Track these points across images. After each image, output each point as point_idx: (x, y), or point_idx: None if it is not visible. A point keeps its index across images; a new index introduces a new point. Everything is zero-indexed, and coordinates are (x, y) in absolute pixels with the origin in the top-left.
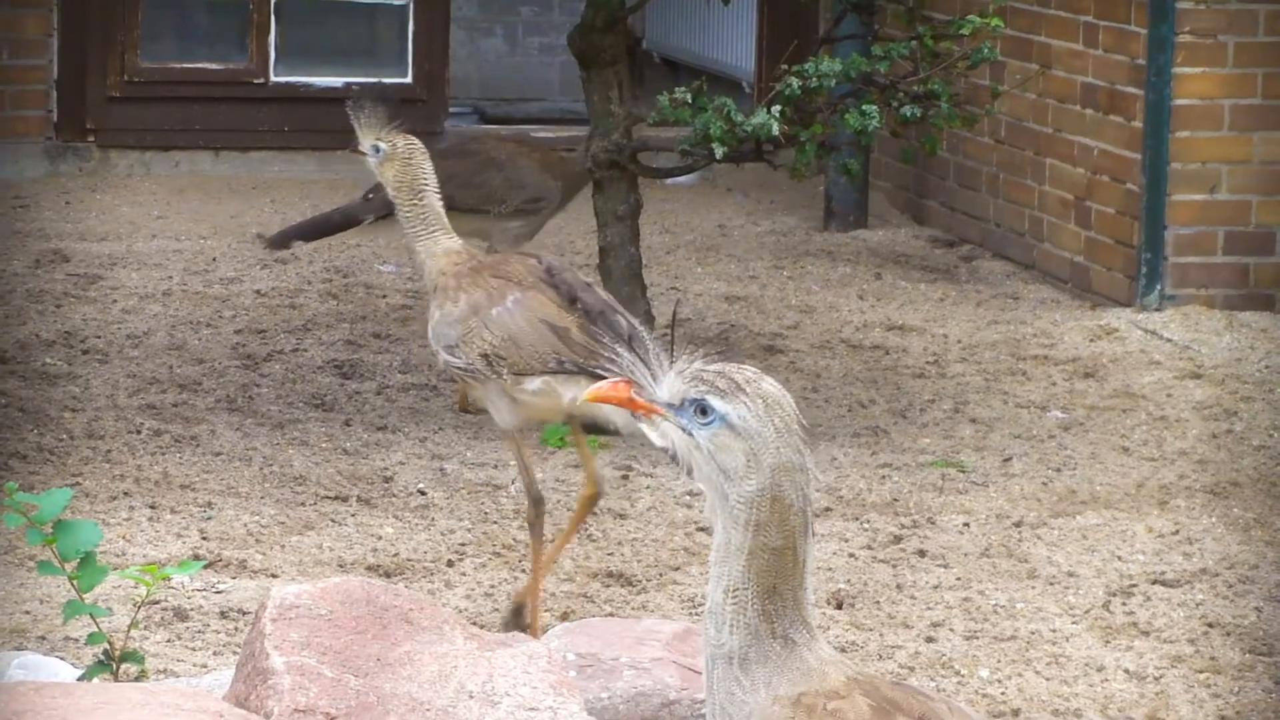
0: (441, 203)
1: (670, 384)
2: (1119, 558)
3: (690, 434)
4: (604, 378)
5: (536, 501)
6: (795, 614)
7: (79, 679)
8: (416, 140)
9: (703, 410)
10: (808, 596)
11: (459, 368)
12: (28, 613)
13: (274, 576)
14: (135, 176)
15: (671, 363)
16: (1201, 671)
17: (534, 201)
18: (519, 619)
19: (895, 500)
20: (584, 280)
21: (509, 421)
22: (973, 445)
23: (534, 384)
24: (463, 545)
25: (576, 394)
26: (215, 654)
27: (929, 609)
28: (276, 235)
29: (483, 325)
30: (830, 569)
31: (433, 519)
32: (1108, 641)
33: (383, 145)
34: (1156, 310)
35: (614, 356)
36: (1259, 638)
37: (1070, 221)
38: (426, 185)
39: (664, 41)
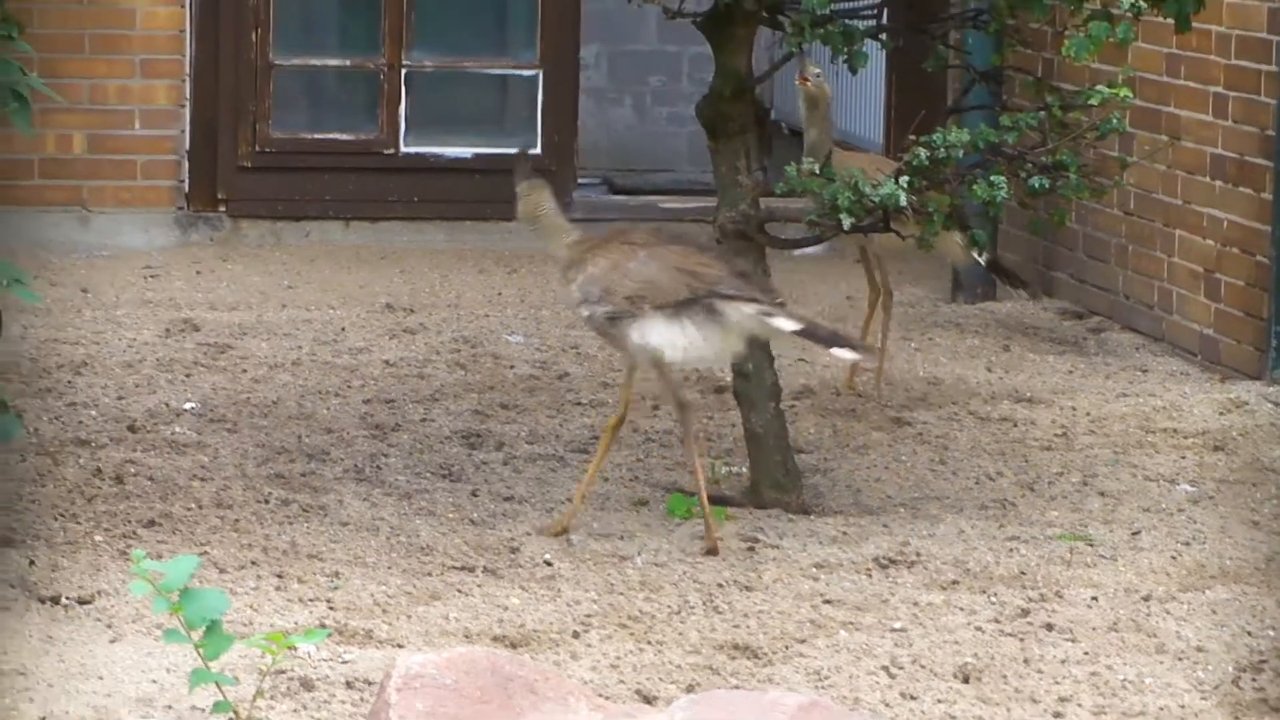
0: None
1: None
2: (1248, 633)
3: None
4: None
5: (682, 406)
6: None
7: None
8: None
9: None
10: None
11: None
12: (154, 681)
13: (400, 646)
14: (266, 246)
15: None
16: None
17: None
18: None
19: (1023, 573)
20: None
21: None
22: (1101, 518)
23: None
24: (589, 616)
25: None
26: None
27: (1056, 683)
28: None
29: (623, 276)
30: (957, 642)
31: (559, 590)
32: (1237, 718)
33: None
34: None
35: None
36: None
37: (1199, 294)
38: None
39: (792, 112)
